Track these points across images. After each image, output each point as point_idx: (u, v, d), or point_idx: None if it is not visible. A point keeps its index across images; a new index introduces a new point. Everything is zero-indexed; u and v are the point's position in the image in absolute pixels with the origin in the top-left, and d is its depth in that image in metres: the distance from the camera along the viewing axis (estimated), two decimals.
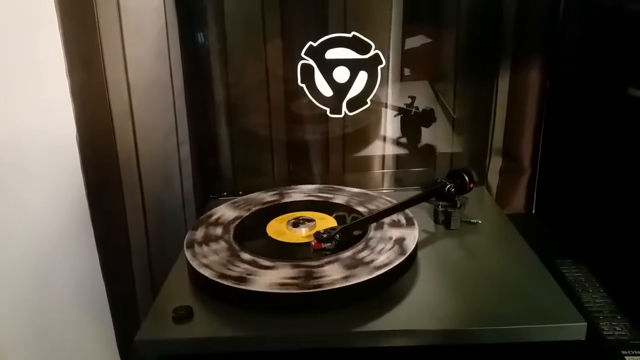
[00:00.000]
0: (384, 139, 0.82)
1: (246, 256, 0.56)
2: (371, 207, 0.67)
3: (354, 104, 0.75)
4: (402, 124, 0.81)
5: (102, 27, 0.68)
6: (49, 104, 0.75)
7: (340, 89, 0.74)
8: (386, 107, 0.80)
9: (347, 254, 0.56)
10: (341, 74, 0.74)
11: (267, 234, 0.62)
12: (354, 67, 0.73)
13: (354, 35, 0.72)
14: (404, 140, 0.83)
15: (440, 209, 0.67)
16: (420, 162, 0.83)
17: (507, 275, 0.56)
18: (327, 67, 0.73)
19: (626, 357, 0.49)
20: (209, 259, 0.56)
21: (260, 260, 0.55)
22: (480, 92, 0.81)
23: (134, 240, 0.77)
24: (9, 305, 0.85)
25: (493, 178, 0.85)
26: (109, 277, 0.78)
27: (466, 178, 0.67)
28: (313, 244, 0.57)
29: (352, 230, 0.60)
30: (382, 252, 0.56)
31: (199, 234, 0.62)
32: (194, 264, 0.55)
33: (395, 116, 0.81)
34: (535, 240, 0.63)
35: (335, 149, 0.81)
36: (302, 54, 0.72)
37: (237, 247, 0.58)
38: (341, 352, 0.50)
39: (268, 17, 0.74)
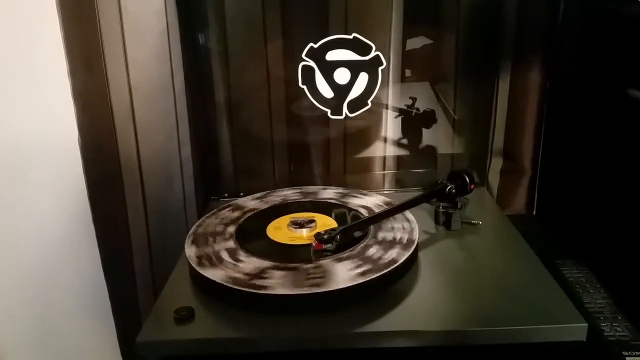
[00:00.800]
0: (385, 140, 0.82)
1: (247, 257, 0.56)
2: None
3: (355, 105, 0.75)
4: (403, 125, 0.81)
5: (103, 29, 0.68)
6: (51, 106, 0.75)
7: (341, 90, 0.74)
8: (387, 108, 0.80)
9: (348, 255, 0.56)
10: (342, 76, 0.74)
11: (267, 235, 0.62)
12: (355, 68, 0.74)
13: (354, 37, 0.72)
14: (404, 141, 0.83)
15: (441, 209, 0.67)
16: (421, 163, 0.83)
17: (507, 276, 0.56)
18: (328, 69, 0.73)
19: (627, 358, 0.49)
20: (210, 260, 0.56)
21: (261, 261, 0.55)
22: (481, 93, 0.81)
23: (135, 241, 0.77)
24: (11, 307, 0.85)
25: (494, 179, 0.85)
26: (111, 277, 0.78)
27: (467, 179, 0.67)
28: (314, 245, 0.57)
29: (352, 231, 0.60)
30: (382, 253, 0.56)
31: (200, 235, 0.62)
32: (195, 265, 0.55)
33: (396, 117, 0.81)
34: (536, 241, 0.63)
35: (336, 150, 0.81)
36: (303, 56, 0.72)
37: (238, 248, 0.58)
38: (342, 353, 0.50)
39: (269, 19, 0.74)
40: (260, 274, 0.53)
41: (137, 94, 0.71)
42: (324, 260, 0.55)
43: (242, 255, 0.57)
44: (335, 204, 0.70)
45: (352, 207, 0.68)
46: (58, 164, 0.78)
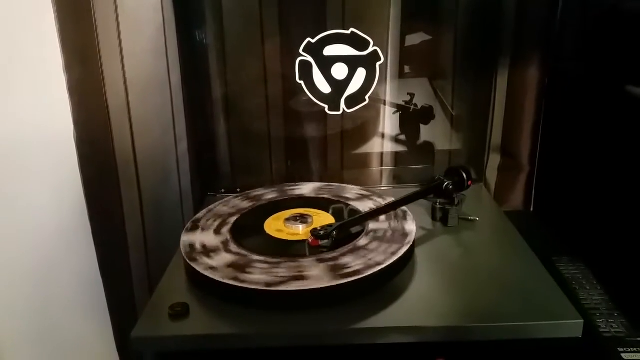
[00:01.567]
0: (383, 136, 0.82)
1: (243, 253, 0.56)
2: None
3: (353, 101, 0.75)
4: (401, 121, 0.81)
5: (99, 23, 0.68)
6: (46, 100, 0.74)
7: (339, 86, 0.74)
8: (385, 104, 0.80)
9: (345, 250, 0.56)
10: (339, 71, 0.74)
11: (264, 231, 0.62)
12: (353, 63, 0.73)
13: (352, 32, 0.72)
14: (402, 137, 0.83)
15: (438, 206, 0.67)
16: (418, 160, 0.83)
17: (504, 272, 0.56)
18: (326, 64, 0.73)
19: (623, 354, 0.49)
20: (206, 256, 0.56)
21: (257, 257, 0.55)
22: (479, 89, 0.81)
23: (131, 236, 0.77)
24: (9, 304, 0.85)
25: (491, 175, 0.85)
26: (107, 273, 0.78)
27: (464, 175, 0.67)
28: (310, 241, 0.57)
29: (349, 227, 0.60)
30: (379, 249, 0.56)
31: (197, 230, 0.62)
32: (191, 261, 0.54)
33: (394, 113, 0.81)
34: (533, 237, 0.63)
35: (334, 146, 0.81)
36: (300, 51, 0.72)
37: (234, 244, 0.58)
38: (339, 349, 0.50)
39: (266, 14, 0.74)
40: (256, 269, 0.53)
41: (133, 89, 0.71)
42: (320, 256, 0.55)
43: (237, 251, 0.57)
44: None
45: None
46: (53, 159, 0.77)
